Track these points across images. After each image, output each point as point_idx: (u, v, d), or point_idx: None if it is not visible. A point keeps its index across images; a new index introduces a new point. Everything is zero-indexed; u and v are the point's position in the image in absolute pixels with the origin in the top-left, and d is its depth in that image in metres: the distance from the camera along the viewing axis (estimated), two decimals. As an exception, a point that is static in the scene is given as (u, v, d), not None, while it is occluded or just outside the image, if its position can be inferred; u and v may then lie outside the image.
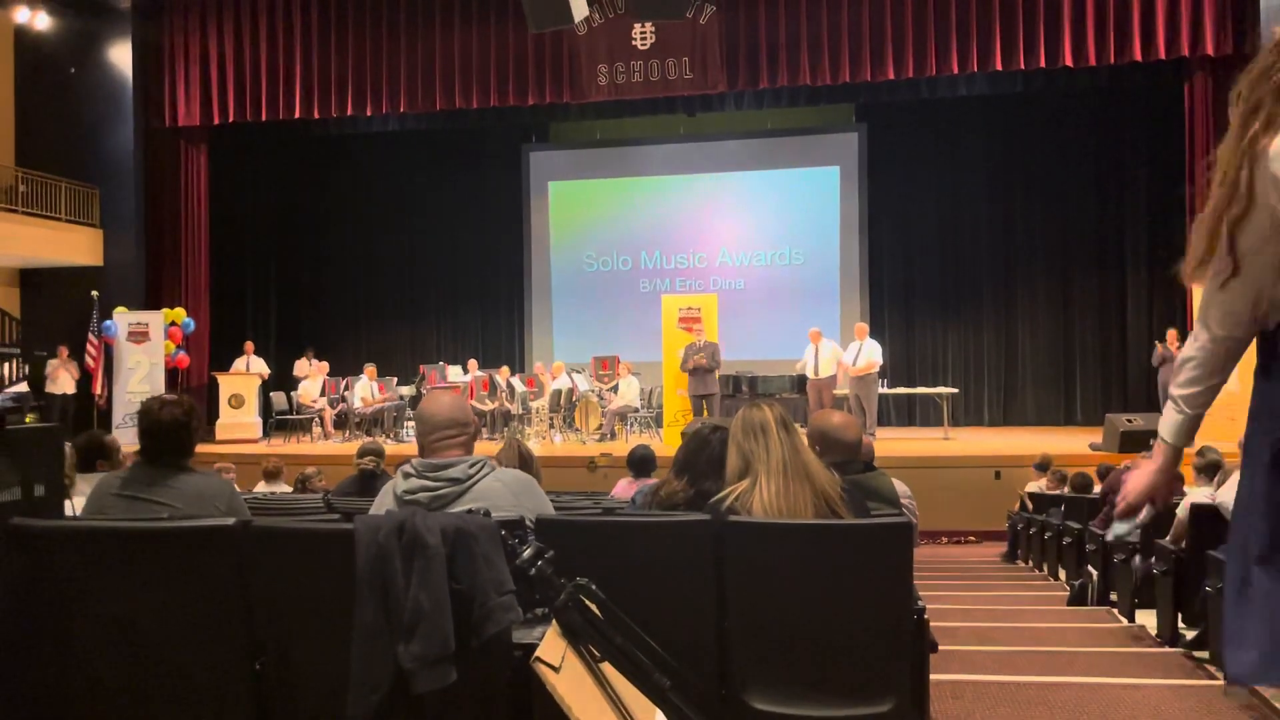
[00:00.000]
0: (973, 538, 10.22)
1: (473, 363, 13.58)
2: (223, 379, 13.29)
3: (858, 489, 2.92)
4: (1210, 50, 11.15)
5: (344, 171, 16.20)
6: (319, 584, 2.14)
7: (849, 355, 11.76)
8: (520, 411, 12.76)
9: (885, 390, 12.58)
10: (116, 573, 2.27)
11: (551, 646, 1.91)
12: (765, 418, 2.71)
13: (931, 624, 2.70)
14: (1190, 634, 4.74)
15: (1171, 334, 11.68)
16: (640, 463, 5.75)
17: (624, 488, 5.85)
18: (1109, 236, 14.36)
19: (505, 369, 13.56)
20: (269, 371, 13.96)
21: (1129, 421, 10.31)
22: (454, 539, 1.99)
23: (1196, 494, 5.28)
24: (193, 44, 13.59)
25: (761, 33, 12.29)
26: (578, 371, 13.40)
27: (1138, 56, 11.30)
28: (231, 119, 13.52)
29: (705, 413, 11.38)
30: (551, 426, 12.75)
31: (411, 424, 13.28)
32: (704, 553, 2.52)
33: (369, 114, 13.39)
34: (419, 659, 1.91)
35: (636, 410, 12.82)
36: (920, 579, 7.01)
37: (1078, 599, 6.46)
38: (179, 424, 2.97)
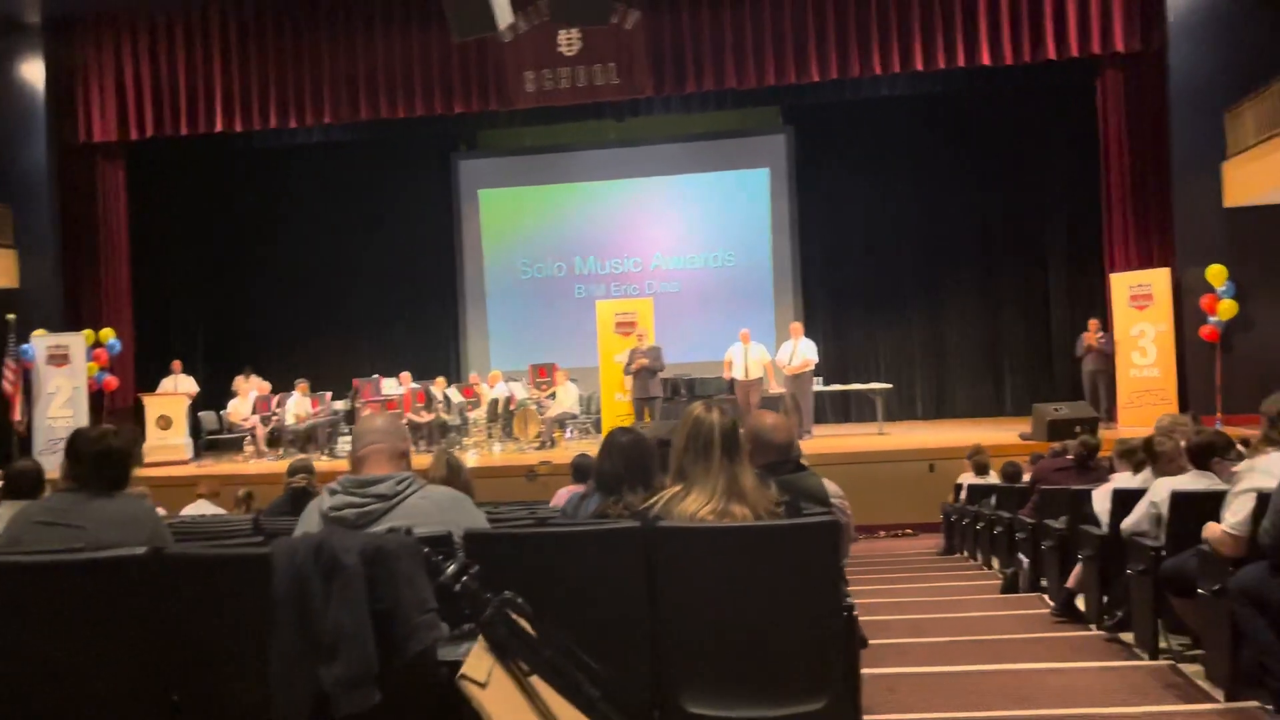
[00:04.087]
0: (909, 530, 10.39)
1: (405, 375, 13.35)
2: (149, 400, 12.91)
3: (789, 490, 2.94)
4: (1120, 47, 11.53)
5: (269, 185, 15.87)
6: (237, 610, 2.10)
7: (784, 354, 11.87)
8: (458, 422, 12.65)
9: (820, 388, 12.72)
10: (28, 606, 2.20)
11: (477, 662, 1.89)
12: (713, 434, 2.66)
13: (867, 618, 2.75)
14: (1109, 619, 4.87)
15: (1093, 324, 12.03)
16: (584, 470, 5.71)
17: (565, 496, 5.81)
18: (1030, 231, 14.68)
19: (441, 380, 13.39)
20: (197, 390, 13.62)
21: (1055, 410, 10.60)
22: (374, 558, 1.96)
23: (1120, 480, 5.43)
24: (106, 59, 13.22)
25: (686, 37, 12.36)
26: (514, 380, 13.32)
27: (1051, 55, 11.63)
28: (149, 134, 13.17)
29: (648, 417, 11.38)
30: (490, 436, 12.66)
31: (346, 439, 13.12)
32: (635, 559, 2.52)
33: (292, 125, 13.15)
34: (341, 681, 1.88)
35: (575, 417, 12.80)
36: (857, 573, 7.11)
37: (1010, 587, 6.60)
38: (121, 454, 2.89)
